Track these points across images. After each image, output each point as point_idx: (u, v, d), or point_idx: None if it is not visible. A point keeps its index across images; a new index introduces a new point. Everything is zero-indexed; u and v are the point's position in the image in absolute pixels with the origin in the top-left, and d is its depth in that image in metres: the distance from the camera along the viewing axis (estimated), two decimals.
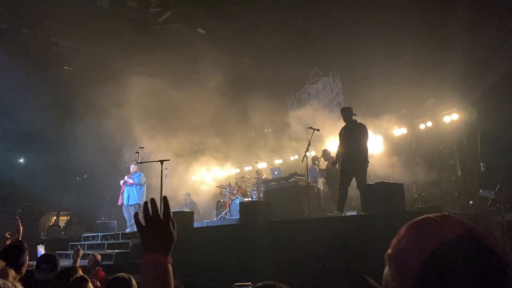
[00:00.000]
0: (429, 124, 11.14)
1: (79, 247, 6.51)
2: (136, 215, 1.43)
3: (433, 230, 0.90)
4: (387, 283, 0.93)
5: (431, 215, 0.95)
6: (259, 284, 1.75)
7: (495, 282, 0.82)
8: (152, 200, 1.35)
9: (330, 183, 10.62)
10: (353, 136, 7.84)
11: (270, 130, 14.19)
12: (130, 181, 11.31)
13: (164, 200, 1.37)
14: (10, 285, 1.50)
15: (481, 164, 9.31)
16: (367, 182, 7.47)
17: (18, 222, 4.92)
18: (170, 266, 1.34)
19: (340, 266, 2.97)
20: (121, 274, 3.10)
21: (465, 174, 10.06)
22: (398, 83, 10.81)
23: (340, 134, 8.26)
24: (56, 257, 3.76)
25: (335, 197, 9.11)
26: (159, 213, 1.35)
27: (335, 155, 8.70)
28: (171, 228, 1.36)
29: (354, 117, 8.16)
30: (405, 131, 11.71)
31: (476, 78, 9.51)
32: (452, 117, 10.54)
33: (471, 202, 8.71)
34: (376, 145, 11.71)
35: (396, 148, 11.46)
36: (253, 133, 14.72)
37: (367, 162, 7.84)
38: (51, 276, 3.60)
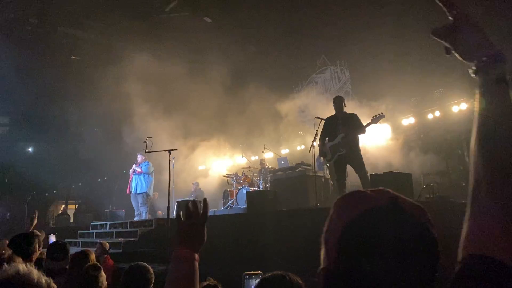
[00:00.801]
0: (437, 113, 11.05)
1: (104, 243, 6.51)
2: (178, 212, 1.54)
3: (357, 200, 0.90)
4: (322, 264, 0.92)
5: (362, 190, 0.95)
6: (269, 274, 1.77)
7: (413, 249, 0.81)
8: (194, 202, 1.47)
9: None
10: (347, 126, 7.64)
11: (276, 119, 14.15)
12: (138, 169, 11.37)
13: (204, 202, 1.49)
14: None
15: None
16: (376, 172, 7.44)
17: (35, 215, 4.91)
18: (197, 264, 1.41)
19: None
20: (139, 262, 3.13)
21: None
22: (406, 72, 10.71)
23: (326, 122, 8.03)
24: (66, 245, 3.81)
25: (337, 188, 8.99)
26: (199, 213, 1.46)
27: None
28: (205, 229, 1.47)
29: (345, 109, 7.98)
30: (413, 121, 11.64)
31: None
32: (460, 107, 10.45)
33: None
34: (383, 135, 11.66)
35: (404, 138, 11.40)
36: (259, 123, 14.69)
37: (359, 149, 7.65)
38: (62, 265, 3.65)
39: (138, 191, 11.36)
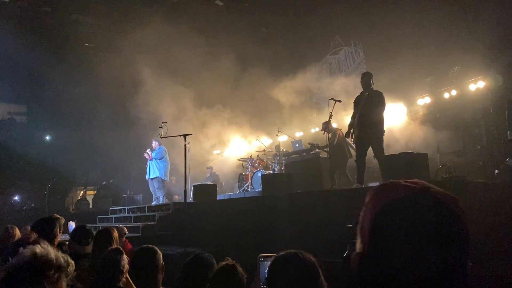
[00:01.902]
0: (454, 92, 10.87)
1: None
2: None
3: (391, 188, 0.94)
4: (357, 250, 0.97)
5: (396, 180, 0.98)
6: (282, 253, 1.81)
7: (443, 236, 0.85)
8: None
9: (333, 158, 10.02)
10: (371, 104, 7.38)
11: (290, 102, 14.09)
12: (148, 155, 11.52)
13: None
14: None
15: (508, 132, 9.08)
16: (391, 153, 7.37)
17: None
18: None
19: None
20: (146, 245, 3.19)
21: (491, 143, 9.85)
22: (422, 52, 10.53)
23: (355, 102, 7.78)
24: (90, 230, 3.91)
25: (333, 171, 8.85)
26: None
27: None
28: None
29: (372, 85, 7.65)
30: (429, 101, 11.48)
31: (504, 44, 9.17)
32: (478, 85, 10.25)
33: (496, 171, 8.56)
34: (399, 115, 11.54)
35: (419, 117, 11.27)
36: (272, 106, 14.65)
37: (383, 131, 7.43)
38: (87, 249, 3.75)
39: (151, 176, 11.54)
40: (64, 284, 1.53)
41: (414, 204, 0.88)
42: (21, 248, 1.58)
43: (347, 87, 11.63)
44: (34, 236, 3.21)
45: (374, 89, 7.63)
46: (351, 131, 7.71)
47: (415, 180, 0.96)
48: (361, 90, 7.78)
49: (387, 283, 0.86)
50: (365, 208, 0.95)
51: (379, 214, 0.90)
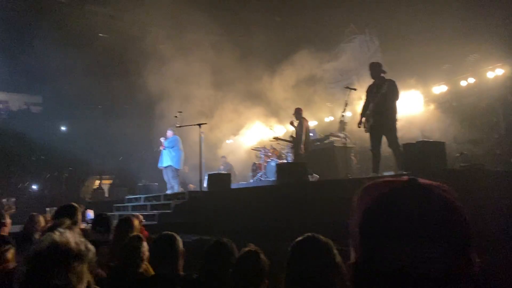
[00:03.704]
0: (471, 80, 10.70)
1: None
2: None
3: (377, 185, 0.87)
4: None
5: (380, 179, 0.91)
6: (300, 238, 1.96)
7: (437, 227, 0.76)
8: None
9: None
10: (382, 93, 7.27)
11: (304, 91, 14.01)
12: (162, 145, 11.62)
13: None
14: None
15: None
16: (408, 142, 7.30)
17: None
18: None
19: None
20: (166, 231, 3.22)
21: (509, 132, 9.69)
22: (438, 39, 10.36)
23: (367, 91, 7.72)
24: (110, 218, 3.98)
25: None
26: None
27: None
28: None
29: (382, 74, 7.55)
30: (445, 89, 11.31)
31: None
32: (496, 73, 10.06)
33: None
34: (415, 103, 11.41)
35: (436, 106, 11.13)
36: (286, 95, 14.60)
37: (396, 120, 7.37)
38: (106, 237, 3.81)
39: (164, 165, 11.64)
40: (85, 270, 1.53)
41: (402, 197, 0.80)
42: (41, 235, 1.58)
43: (362, 75, 11.52)
44: (67, 222, 3.26)
45: (385, 77, 7.52)
46: (363, 120, 7.66)
47: (405, 176, 0.88)
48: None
49: (381, 282, 0.78)
50: (352, 210, 0.88)
51: (366, 213, 0.83)
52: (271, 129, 13.64)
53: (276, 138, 11.63)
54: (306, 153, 10.02)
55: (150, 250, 3.14)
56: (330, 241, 1.96)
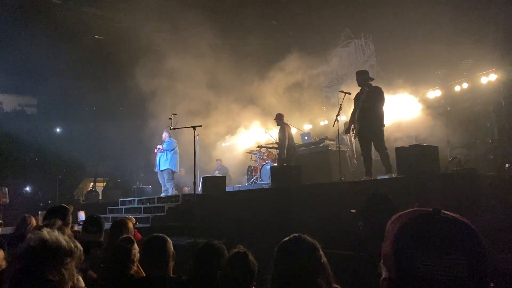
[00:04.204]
0: (465, 85, 10.76)
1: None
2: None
3: (407, 212, 1.04)
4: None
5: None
6: (286, 238, 2.00)
7: (458, 246, 0.93)
8: None
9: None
10: (369, 99, 7.53)
11: (299, 94, 14.03)
12: (160, 147, 11.61)
13: None
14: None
15: None
16: (401, 145, 7.35)
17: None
18: None
19: (377, 220, 2.95)
20: (156, 234, 3.23)
21: (502, 137, 9.75)
22: (433, 44, 10.42)
23: (355, 98, 7.94)
24: (101, 219, 3.97)
25: None
26: None
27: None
28: None
29: (370, 82, 7.79)
30: (440, 93, 11.38)
31: None
32: (489, 78, 10.13)
33: (507, 165, 8.48)
34: (409, 108, 11.46)
35: (430, 110, 11.19)
36: (281, 99, 14.63)
37: (383, 125, 7.54)
38: (97, 237, 3.80)
39: (161, 168, 11.61)
40: (74, 268, 1.55)
41: (429, 221, 0.97)
42: (30, 234, 1.59)
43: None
44: (58, 223, 3.26)
45: (373, 84, 7.76)
46: (352, 126, 7.90)
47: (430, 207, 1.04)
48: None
49: None
50: (387, 233, 1.05)
51: (398, 232, 0.99)
52: (266, 132, 13.64)
53: (260, 147, 11.84)
54: (289, 157, 10.31)
55: (141, 252, 3.13)
56: (316, 242, 1.97)
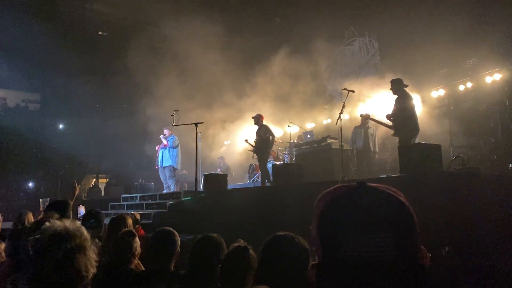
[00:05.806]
0: (469, 85, 10.71)
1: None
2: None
3: (330, 190, 0.94)
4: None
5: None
6: (281, 233, 1.98)
7: (385, 221, 0.84)
8: None
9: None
10: (395, 107, 7.76)
11: (302, 93, 14.00)
12: (164, 142, 11.52)
13: None
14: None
15: None
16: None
17: (76, 184, 4.98)
18: None
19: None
20: (168, 228, 3.19)
21: (506, 137, 9.70)
22: (437, 43, 10.37)
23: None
24: (100, 214, 3.96)
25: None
26: None
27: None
28: None
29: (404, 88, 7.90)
30: (443, 93, 11.32)
31: None
32: (494, 77, 10.07)
33: (510, 165, 8.44)
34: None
35: (434, 110, 11.14)
36: (284, 96, 14.60)
37: (409, 128, 7.63)
38: (96, 232, 3.79)
39: (164, 165, 11.57)
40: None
41: (351, 196, 0.88)
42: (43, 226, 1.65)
43: (360, 77, 11.54)
44: (56, 216, 3.25)
45: (404, 91, 7.91)
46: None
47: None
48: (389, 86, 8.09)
49: (341, 274, 0.85)
50: (312, 221, 0.94)
51: (322, 212, 0.90)
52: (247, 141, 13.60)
53: (246, 141, 11.51)
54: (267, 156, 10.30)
55: (150, 244, 3.10)
56: (305, 241, 1.92)
